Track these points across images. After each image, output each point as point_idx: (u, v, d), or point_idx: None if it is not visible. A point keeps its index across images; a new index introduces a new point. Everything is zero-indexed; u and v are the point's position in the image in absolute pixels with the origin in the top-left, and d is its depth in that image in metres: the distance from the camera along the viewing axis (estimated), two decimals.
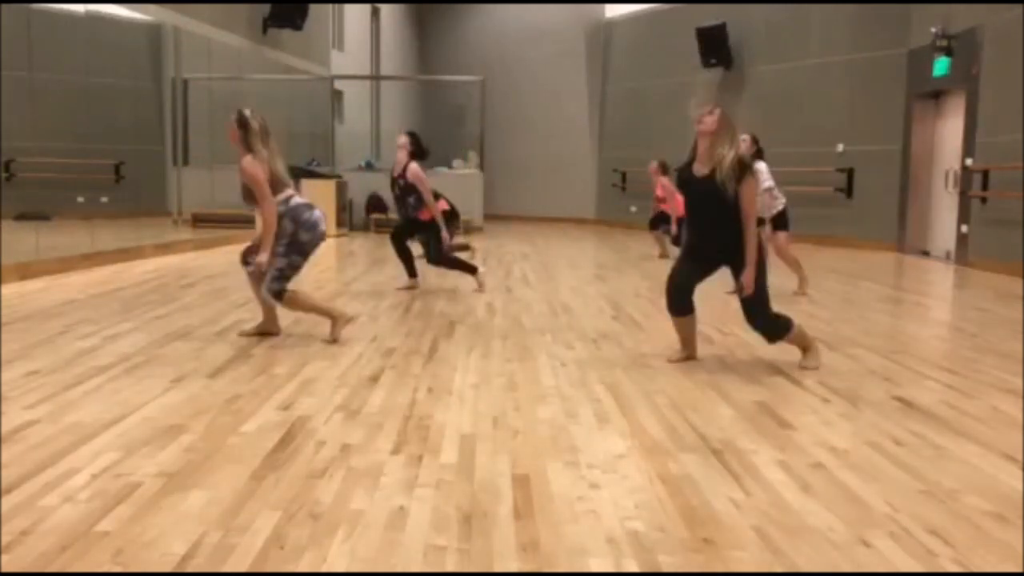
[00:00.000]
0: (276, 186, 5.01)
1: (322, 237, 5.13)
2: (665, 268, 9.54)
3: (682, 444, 3.26)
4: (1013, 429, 3.56)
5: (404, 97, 19.80)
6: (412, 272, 7.62)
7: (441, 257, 7.44)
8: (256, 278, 5.19)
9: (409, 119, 17.83)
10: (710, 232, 4.57)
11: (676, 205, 10.52)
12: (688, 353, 4.81)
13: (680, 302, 4.71)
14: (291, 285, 5.11)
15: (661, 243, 11.10)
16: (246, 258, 5.24)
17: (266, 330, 5.26)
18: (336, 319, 5.16)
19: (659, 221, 10.97)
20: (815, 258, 10.30)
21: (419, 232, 7.54)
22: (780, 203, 7.47)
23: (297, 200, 5.08)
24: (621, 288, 7.97)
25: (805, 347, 4.70)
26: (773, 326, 4.62)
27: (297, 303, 5.15)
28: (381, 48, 18.98)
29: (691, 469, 2.98)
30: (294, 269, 5.10)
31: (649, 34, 16.73)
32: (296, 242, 5.03)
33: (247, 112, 4.99)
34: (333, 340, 5.07)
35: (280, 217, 4.99)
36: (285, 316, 5.56)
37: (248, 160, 4.94)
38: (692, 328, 4.81)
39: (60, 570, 2.16)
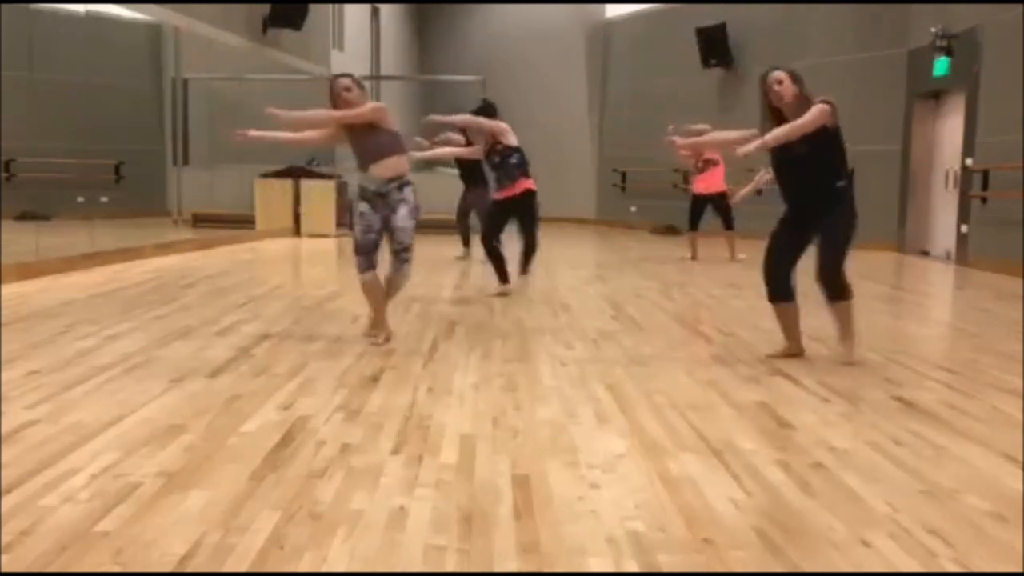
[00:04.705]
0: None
1: None
2: (666, 270, 9.61)
3: (682, 444, 3.26)
4: (1013, 429, 3.56)
5: (404, 97, 19.77)
6: (504, 277, 7.25)
7: (492, 243, 7.23)
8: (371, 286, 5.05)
9: (409, 119, 17.82)
10: (803, 194, 4.50)
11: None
12: (791, 348, 4.62)
13: (778, 285, 4.58)
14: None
15: (695, 245, 10.42)
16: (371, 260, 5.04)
17: (379, 329, 5.14)
18: (382, 329, 5.08)
19: (700, 213, 10.30)
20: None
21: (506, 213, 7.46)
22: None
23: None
24: (621, 288, 7.97)
25: (847, 332, 4.63)
26: (840, 285, 4.55)
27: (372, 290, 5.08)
28: (381, 48, 18.97)
29: (691, 469, 2.98)
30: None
31: (649, 34, 16.73)
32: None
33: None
34: (380, 336, 5.05)
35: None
36: (286, 315, 5.57)
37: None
38: (794, 317, 4.63)
39: (60, 570, 2.16)
